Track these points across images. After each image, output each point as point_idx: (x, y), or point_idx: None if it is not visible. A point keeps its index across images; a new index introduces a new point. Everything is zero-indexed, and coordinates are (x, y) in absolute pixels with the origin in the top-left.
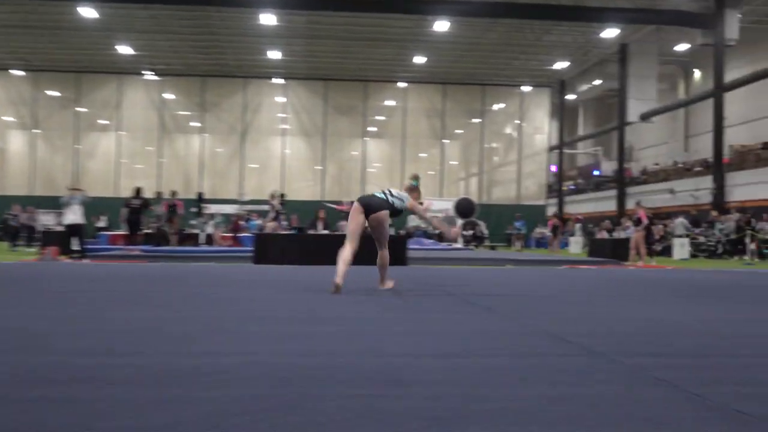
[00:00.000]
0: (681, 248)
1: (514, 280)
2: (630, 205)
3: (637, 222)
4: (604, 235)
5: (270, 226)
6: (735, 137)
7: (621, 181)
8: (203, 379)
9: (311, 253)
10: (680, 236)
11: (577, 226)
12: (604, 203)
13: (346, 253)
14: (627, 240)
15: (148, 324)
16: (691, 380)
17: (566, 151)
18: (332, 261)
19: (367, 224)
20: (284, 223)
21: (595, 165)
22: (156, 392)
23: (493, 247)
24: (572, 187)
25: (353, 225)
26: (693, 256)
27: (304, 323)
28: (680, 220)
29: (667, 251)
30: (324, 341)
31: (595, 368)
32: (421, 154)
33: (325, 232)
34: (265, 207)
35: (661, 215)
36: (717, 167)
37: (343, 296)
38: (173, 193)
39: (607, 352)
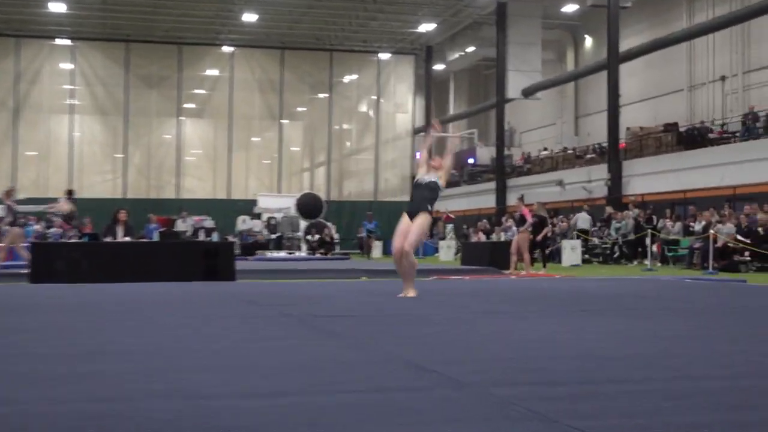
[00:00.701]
0: (572, 252)
1: (368, 296)
2: (512, 200)
3: (521, 221)
4: (481, 237)
5: (14, 233)
6: (633, 118)
7: (501, 172)
8: None
9: (109, 268)
10: (572, 238)
11: (449, 227)
12: (480, 198)
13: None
14: (508, 243)
15: None
16: (570, 412)
17: (435, 134)
18: (138, 277)
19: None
20: (55, 229)
21: (470, 152)
22: None
23: (345, 255)
24: None
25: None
26: (585, 261)
27: (93, 358)
28: (581, 215)
29: (555, 255)
30: (117, 381)
31: (459, 402)
32: (253, 138)
33: (128, 239)
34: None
35: (549, 210)
36: (612, 154)
37: (149, 322)
38: None
39: (477, 382)
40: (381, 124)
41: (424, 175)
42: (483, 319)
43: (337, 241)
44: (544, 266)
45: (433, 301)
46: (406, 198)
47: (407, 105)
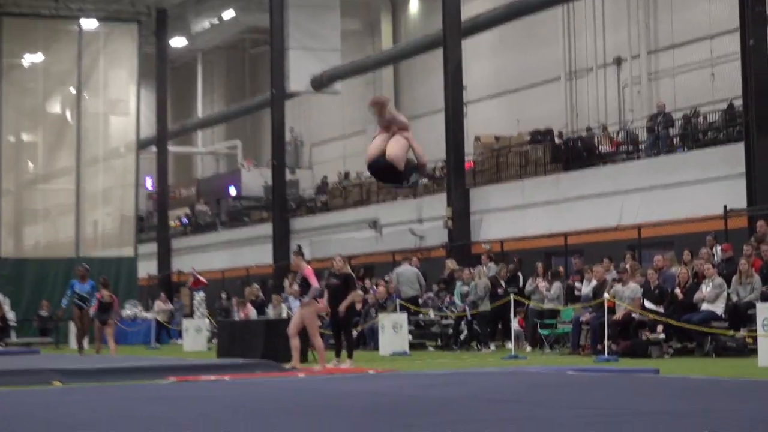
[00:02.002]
0: (394, 334)
1: (59, 418)
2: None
3: (303, 286)
4: (250, 313)
5: None
6: (485, 122)
7: (281, 208)
8: None
9: None
10: (393, 310)
11: (198, 296)
12: (248, 250)
13: None
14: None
15: None
16: None
17: (174, 149)
18: None
19: None
20: None
21: (231, 176)
22: None
23: (28, 344)
24: (185, 221)
25: None
26: (416, 346)
27: None
28: (405, 272)
29: (368, 338)
30: None
31: None
32: None
33: None
34: None
35: (356, 268)
36: (454, 178)
37: None
38: None
39: None
40: (85, 134)
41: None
42: None
43: (13, 323)
44: (350, 356)
45: (150, 424)
46: (129, 251)
47: (128, 103)
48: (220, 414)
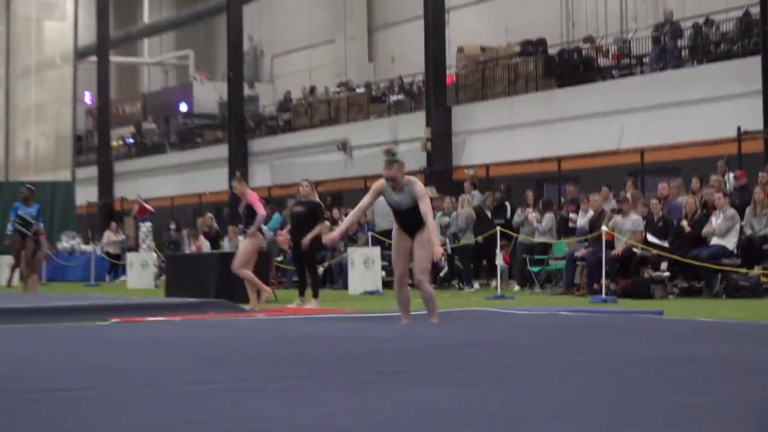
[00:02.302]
0: (366, 271)
1: None
2: (260, 176)
3: (248, 215)
4: (203, 246)
5: None
6: (469, 31)
7: (239, 127)
8: None
9: None
10: (365, 244)
11: (144, 227)
12: (201, 175)
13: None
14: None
15: None
16: None
17: (117, 59)
18: None
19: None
20: None
21: (182, 91)
22: None
23: None
24: (130, 141)
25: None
26: (390, 283)
27: None
28: (380, 202)
29: (337, 275)
30: None
31: None
32: None
33: None
34: None
35: (323, 195)
36: (434, 95)
37: None
38: None
39: None
40: (16, 41)
41: (394, 194)
42: (194, 397)
43: None
44: (315, 295)
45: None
46: (66, 175)
47: (65, 6)
48: (169, 360)
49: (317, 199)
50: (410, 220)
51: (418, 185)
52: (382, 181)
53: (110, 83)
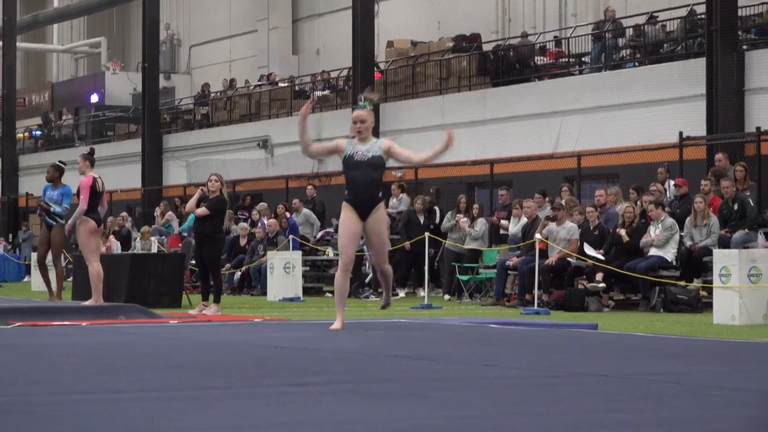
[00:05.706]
0: (284, 275)
1: None
2: (174, 174)
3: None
4: (113, 246)
5: None
6: (399, 25)
7: (154, 122)
8: None
9: None
10: (279, 246)
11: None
12: (114, 171)
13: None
14: (161, 257)
15: None
16: None
17: (24, 45)
18: None
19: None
20: None
21: (94, 81)
22: None
23: None
24: (37, 133)
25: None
26: (310, 291)
27: None
28: (303, 210)
29: (254, 279)
30: None
31: None
32: None
33: None
34: None
35: (242, 195)
36: (361, 90)
37: None
38: None
39: None
40: None
41: (359, 144)
42: (98, 406)
43: None
44: (217, 300)
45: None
46: None
47: None
48: (73, 367)
49: (224, 196)
50: (368, 186)
51: (387, 139)
52: (344, 140)
53: (16, 72)
